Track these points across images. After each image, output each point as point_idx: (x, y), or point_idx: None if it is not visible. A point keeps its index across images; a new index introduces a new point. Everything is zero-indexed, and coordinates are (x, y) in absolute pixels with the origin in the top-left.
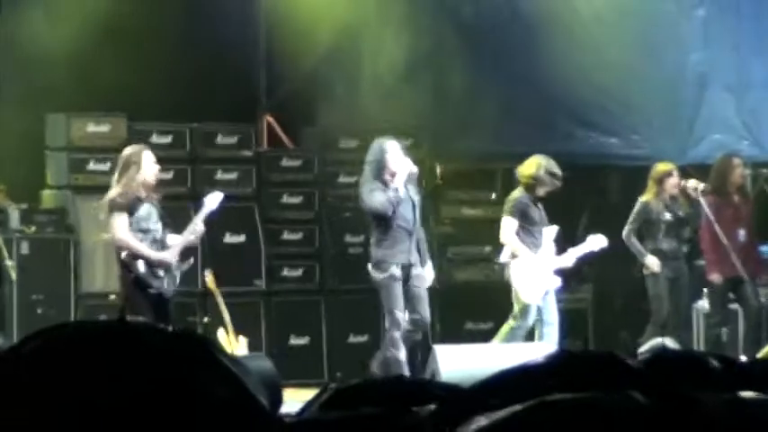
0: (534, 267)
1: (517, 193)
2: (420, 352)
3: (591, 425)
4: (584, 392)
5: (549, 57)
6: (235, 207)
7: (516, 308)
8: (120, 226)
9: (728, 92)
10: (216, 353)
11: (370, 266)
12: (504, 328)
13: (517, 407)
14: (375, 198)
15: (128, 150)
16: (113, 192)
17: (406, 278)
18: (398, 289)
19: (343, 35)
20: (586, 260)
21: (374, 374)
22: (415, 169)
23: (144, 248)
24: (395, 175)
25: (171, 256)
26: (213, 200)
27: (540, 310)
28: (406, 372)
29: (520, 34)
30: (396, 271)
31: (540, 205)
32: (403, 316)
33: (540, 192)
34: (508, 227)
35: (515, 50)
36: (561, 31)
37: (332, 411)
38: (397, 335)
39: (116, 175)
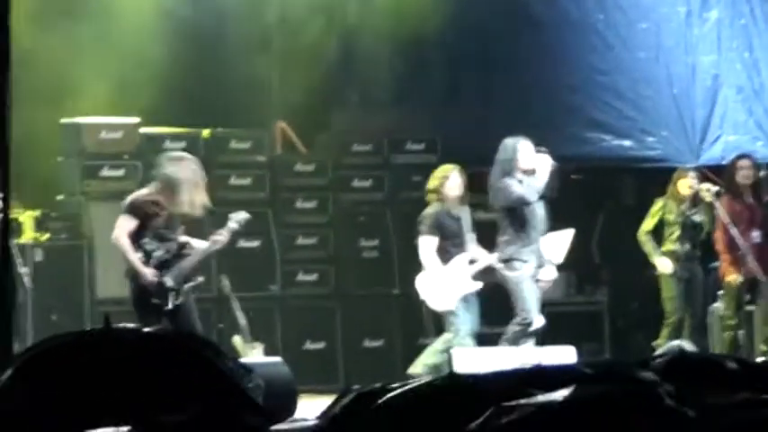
0: (443, 277)
1: (430, 208)
2: None
3: (616, 415)
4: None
5: (562, 60)
6: (249, 212)
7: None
8: (121, 226)
9: (741, 93)
10: (201, 351)
11: (498, 263)
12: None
13: (552, 395)
14: (514, 189)
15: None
16: (139, 192)
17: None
18: (530, 285)
19: (357, 39)
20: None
21: None
22: (552, 164)
23: (133, 258)
24: (527, 173)
25: (153, 274)
26: (238, 218)
27: (458, 314)
28: None
29: (532, 38)
30: (527, 268)
31: (455, 213)
32: (536, 314)
33: (454, 194)
34: (424, 244)
35: (528, 54)
36: (574, 35)
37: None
38: (520, 333)
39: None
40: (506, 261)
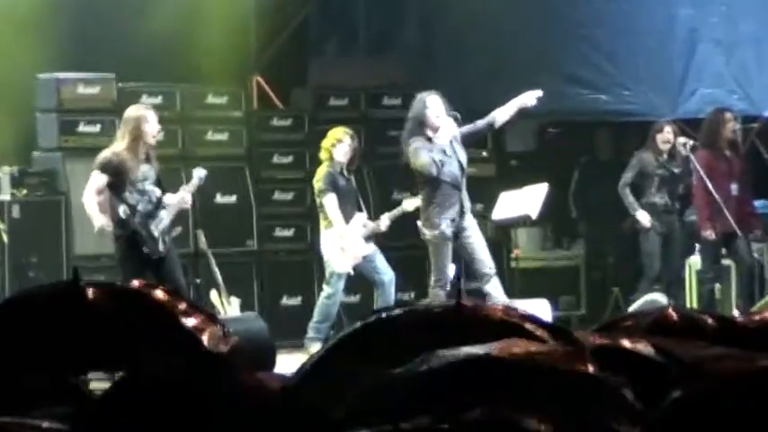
0: (345, 237)
1: (324, 167)
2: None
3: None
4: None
5: (537, 13)
6: (226, 167)
7: (327, 275)
8: (90, 183)
9: (718, 46)
10: (167, 306)
11: (419, 223)
12: (320, 299)
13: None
14: (420, 158)
15: (132, 109)
16: (112, 149)
17: (457, 234)
18: (448, 247)
19: None
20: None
21: None
22: (455, 129)
23: (93, 212)
24: (437, 130)
25: (106, 222)
26: (199, 175)
27: (372, 273)
28: None
29: None
30: (446, 228)
31: (346, 174)
32: (449, 275)
33: (342, 159)
34: (331, 202)
35: (504, 7)
36: None
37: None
38: (441, 293)
39: (120, 133)
40: (425, 221)
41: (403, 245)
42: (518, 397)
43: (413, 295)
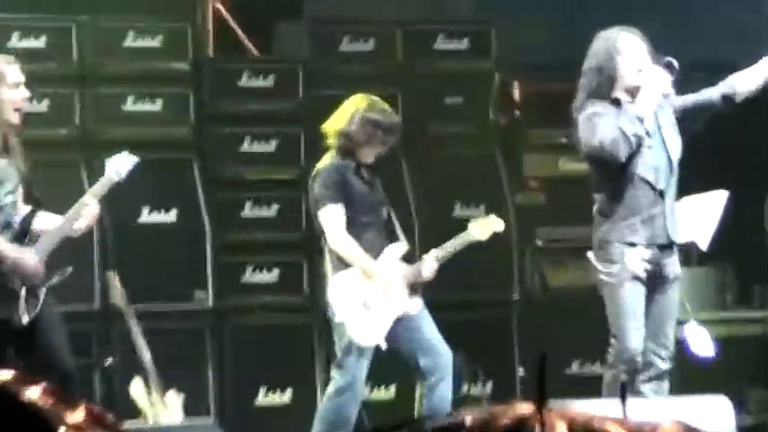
0: (377, 278)
1: (326, 159)
2: None
3: None
4: None
5: None
6: (158, 161)
7: (339, 351)
8: None
9: None
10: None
11: (590, 254)
12: (326, 395)
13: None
14: (599, 131)
15: None
16: None
17: (653, 274)
18: (635, 293)
19: None
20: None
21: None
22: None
23: None
24: (635, 91)
25: (35, 256)
26: (120, 164)
27: (416, 350)
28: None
29: None
30: (633, 261)
31: (366, 174)
32: (634, 330)
33: (364, 157)
34: (332, 218)
35: None
36: None
37: None
38: (623, 377)
39: None
40: (598, 247)
41: (469, 299)
42: None
43: (489, 388)
